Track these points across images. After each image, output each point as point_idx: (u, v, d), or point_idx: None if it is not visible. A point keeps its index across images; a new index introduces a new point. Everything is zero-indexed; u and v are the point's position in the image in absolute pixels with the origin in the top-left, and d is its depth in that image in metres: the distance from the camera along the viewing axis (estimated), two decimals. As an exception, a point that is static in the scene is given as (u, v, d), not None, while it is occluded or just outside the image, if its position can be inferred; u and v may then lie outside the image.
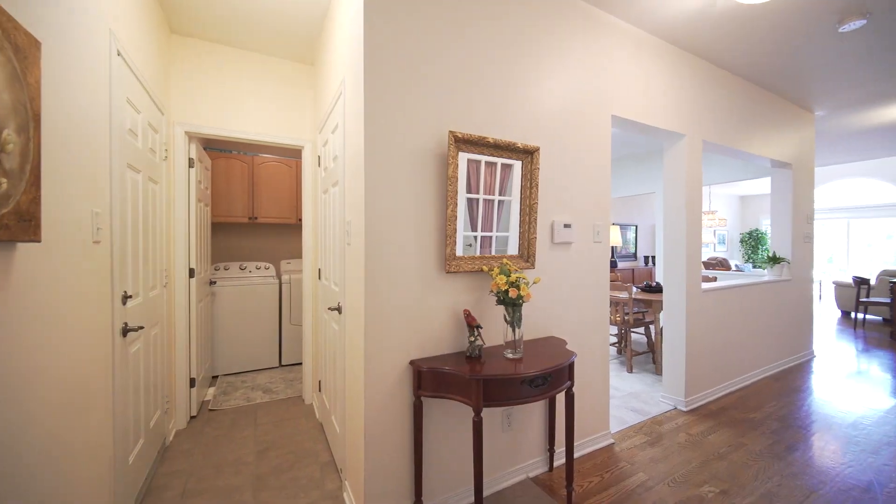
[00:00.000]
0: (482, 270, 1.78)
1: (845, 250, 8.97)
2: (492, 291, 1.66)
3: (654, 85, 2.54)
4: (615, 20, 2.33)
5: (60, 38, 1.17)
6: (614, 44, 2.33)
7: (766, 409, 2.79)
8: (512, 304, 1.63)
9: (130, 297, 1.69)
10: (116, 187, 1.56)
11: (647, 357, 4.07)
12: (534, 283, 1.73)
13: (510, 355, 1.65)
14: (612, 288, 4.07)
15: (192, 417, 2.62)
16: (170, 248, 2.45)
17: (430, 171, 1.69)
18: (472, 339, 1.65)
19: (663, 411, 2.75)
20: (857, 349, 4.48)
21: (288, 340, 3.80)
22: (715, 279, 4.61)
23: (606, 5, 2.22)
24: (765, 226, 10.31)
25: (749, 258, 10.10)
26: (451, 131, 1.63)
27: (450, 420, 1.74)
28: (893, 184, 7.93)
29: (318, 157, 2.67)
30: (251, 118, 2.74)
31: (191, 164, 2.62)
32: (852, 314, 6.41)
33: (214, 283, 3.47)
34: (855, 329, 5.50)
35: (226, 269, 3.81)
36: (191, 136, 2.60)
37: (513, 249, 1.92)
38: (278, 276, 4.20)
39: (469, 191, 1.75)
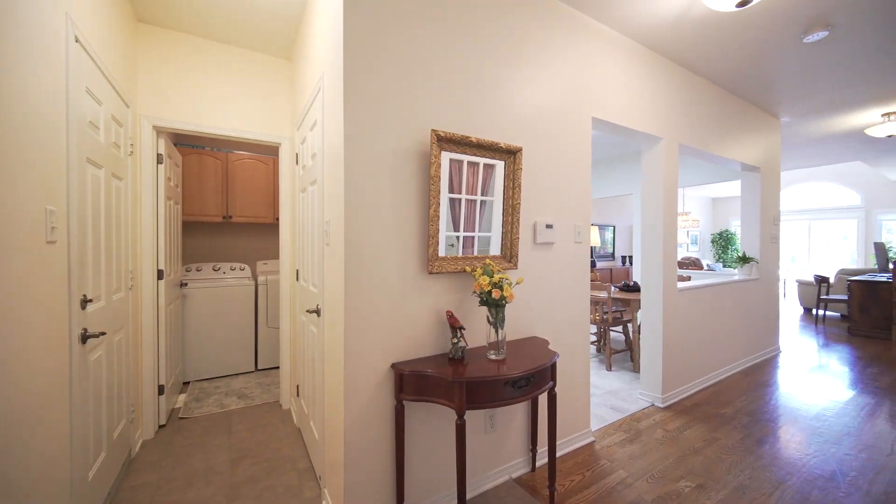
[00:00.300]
0: (465, 271, 1.76)
1: (807, 250, 9.48)
2: (475, 292, 1.64)
3: (632, 88, 2.59)
4: (597, 24, 2.36)
5: (7, 20, 1.08)
6: (595, 47, 2.36)
7: (737, 404, 2.90)
8: (495, 305, 1.62)
9: (91, 300, 1.59)
10: (74, 183, 1.45)
11: (625, 355, 4.16)
12: (517, 283, 1.73)
13: (493, 356, 1.63)
14: (592, 287, 4.13)
15: (160, 426, 2.49)
16: (136, 248, 2.32)
17: (412, 171, 1.65)
18: (455, 340, 1.63)
19: (641, 408, 2.81)
20: (819, 344, 4.72)
21: (264, 344, 3.67)
22: (689, 278, 4.76)
23: (589, 9, 2.25)
24: (734, 227, 10.77)
25: (720, 258, 10.52)
26: (433, 130, 1.61)
27: (432, 423, 1.72)
28: (850, 188, 8.44)
29: (296, 154, 2.59)
30: (225, 113, 2.63)
31: (159, 159, 2.49)
32: (813, 311, 6.77)
33: (186, 284, 3.32)
34: (816, 325, 5.81)
35: (198, 271, 3.65)
36: (159, 131, 2.47)
37: (495, 250, 1.91)
38: (254, 277, 4.06)
39: (451, 191, 1.73)
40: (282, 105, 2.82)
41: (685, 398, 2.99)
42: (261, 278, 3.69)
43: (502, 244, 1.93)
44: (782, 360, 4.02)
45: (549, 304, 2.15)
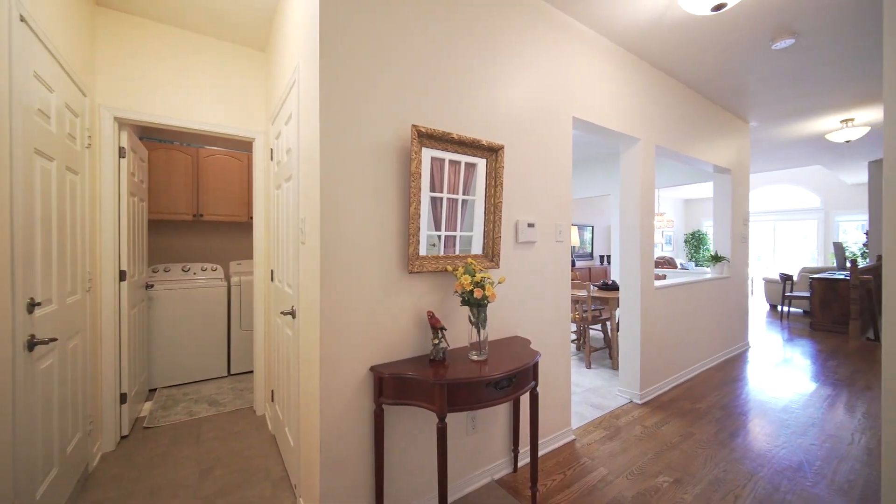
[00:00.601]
0: (446, 270, 1.73)
1: (772, 249, 9.95)
2: (456, 292, 1.61)
3: (612, 89, 2.62)
4: (579, 25, 2.38)
5: (-64, -8, 0.96)
6: (577, 47, 2.37)
7: (710, 399, 2.99)
8: (477, 305, 1.59)
9: (39, 304, 1.46)
10: (19, 176, 1.33)
11: (604, 352, 4.23)
12: (499, 282, 1.70)
13: (475, 357, 1.60)
14: (572, 286, 4.18)
15: (122, 437, 2.34)
16: (95, 247, 2.17)
17: (392, 167, 1.60)
18: (436, 341, 1.59)
19: (620, 405, 2.85)
20: (784, 339, 4.95)
21: (238, 347, 3.53)
22: (664, 277, 4.89)
23: (571, 9, 2.25)
24: (705, 227, 11.18)
25: (692, 257, 10.90)
26: (414, 125, 1.56)
27: (413, 427, 1.67)
28: (810, 190, 8.91)
29: (271, 149, 2.49)
30: (195, 106, 2.50)
31: (121, 153, 2.34)
32: (779, 307, 7.10)
33: (152, 286, 3.14)
34: (781, 321, 6.09)
35: (166, 272, 3.47)
36: (121, 123, 2.32)
37: (477, 249, 1.89)
38: (227, 277, 3.90)
39: (433, 189, 1.69)
40: (256, 98, 2.71)
41: (662, 394, 3.06)
42: (234, 279, 3.54)
43: (484, 243, 1.90)
44: (751, 355, 4.18)
45: (530, 304, 2.14)
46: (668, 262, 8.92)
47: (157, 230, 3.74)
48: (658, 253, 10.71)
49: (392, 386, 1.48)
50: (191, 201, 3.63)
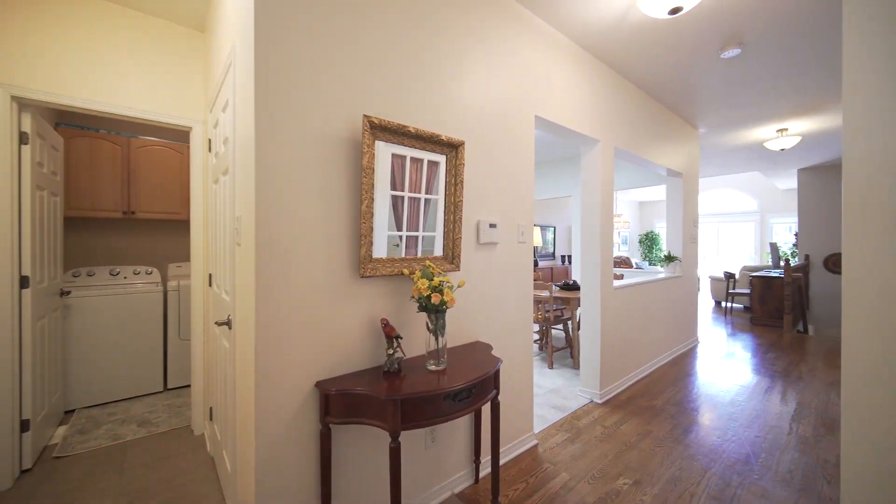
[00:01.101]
0: (403, 274, 1.60)
1: (716, 250, 10.69)
2: (413, 297, 1.49)
3: (573, 90, 2.61)
4: (542, 23, 2.33)
5: None
6: (540, 46, 2.33)
7: (665, 395, 3.08)
8: (435, 311, 1.48)
9: None
10: None
11: (565, 352, 4.28)
12: (458, 286, 1.61)
13: (433, 367, 1.50)
14: (535, 287, 4.19)
15: (23, 471, 2.00)
16: (-14, 249, 1.83)
17: (343, 162, 1.46)
18: (391, 351, 1.46)
19: (581, 405, 2.86)
20: (728, 333, 5.28)
21: (176, 358, 3.19)
22: (622, 276, 5.05)
23: (537, 8, 2.20)
24: (658, 228, 11.82)
25: (646, 257, 11.48)
26: (365, 116, 1.43)
27: (364, 446, 1.53)
28: (750, 195, 9.64)
29: (209, 140, 2.24)
30: (122, 89, 2.20)
31: (23, 139, 2.00)
32: (723, 303, 7.61)
33: (69, 293, 2.75)
34: (725, 316, 6.51)
35: (90, 276, 3.06)
36: (22, 104, 1.99)
37: (439, 250, 1.78)
38: (164, 281, 3.53)
39: (394, 188, 1.57)
40: (194, 83, 2.44)
41: (621, 392, 3.11)
42: (171, 283, 3.20)
43: (444, 244, 1.80)
44: (700, 350, 4.40)
45: (492, 307, 2.07)
46: (624, 262, 9.31)
47: (78, 229, 3.31)
48: (615, 252, 11.18)
49: (340, 403, 1.34)
50: (120, 197, 3.24)
